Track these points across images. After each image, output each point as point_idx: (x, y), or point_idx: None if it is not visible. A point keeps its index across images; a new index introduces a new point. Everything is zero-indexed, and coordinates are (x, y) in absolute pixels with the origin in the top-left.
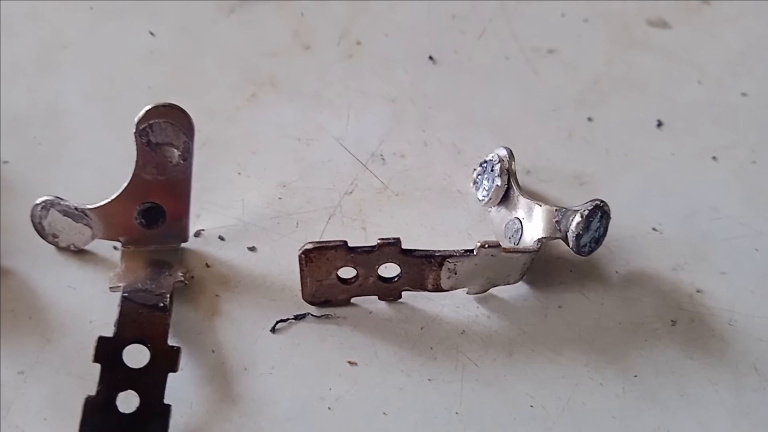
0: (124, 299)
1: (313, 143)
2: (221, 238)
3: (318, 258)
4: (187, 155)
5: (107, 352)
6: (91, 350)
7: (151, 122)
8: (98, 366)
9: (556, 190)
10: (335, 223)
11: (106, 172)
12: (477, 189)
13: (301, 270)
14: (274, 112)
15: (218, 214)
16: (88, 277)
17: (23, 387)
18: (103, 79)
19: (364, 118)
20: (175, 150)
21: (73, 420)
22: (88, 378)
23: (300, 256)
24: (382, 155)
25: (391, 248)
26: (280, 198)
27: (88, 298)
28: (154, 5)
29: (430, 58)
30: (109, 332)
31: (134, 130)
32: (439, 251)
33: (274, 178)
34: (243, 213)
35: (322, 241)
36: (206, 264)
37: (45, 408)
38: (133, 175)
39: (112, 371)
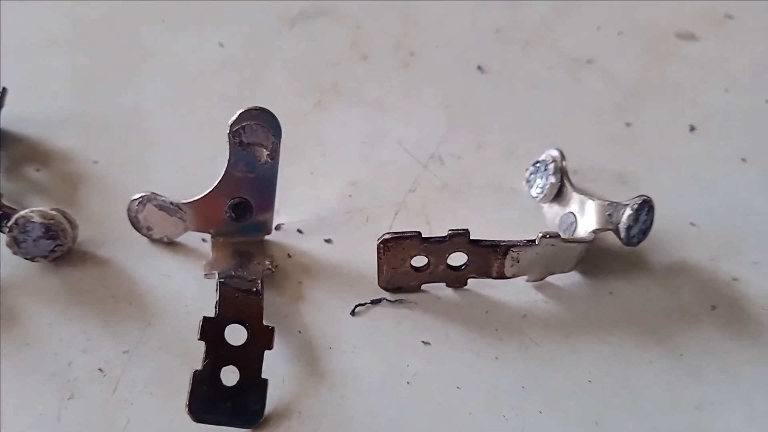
0: (221, 284)
1: (377, 145)
2: (299, 231)
3: (395, 247)
4: (274, 155)
5: (210, 330)
6: (189, 331)
7: (243, 124)
8: (202, 343)
9: (600, 188)
10: (401, 218)
11: (186, 171)
12: (530, 187)
13: (379, 258)
14: (339, 117)
15: (295, 209)
16: (180, 266)
17: (128, 365)
18: (179, 87)
19: (421, 123)
20: (264, 150)
21: (176, 394)
22: (188, 356)
23: (378, 245)
24: (440, 156)
25: (460, 238)
26: (350, 195)
27: (181, 285)
28: (221, 19)
29: (479, 67)
30: (207, 315)
31: (228, 131)
32: (504, 241)
33: (344, 178)
34: (318, 209)
35: (399, 232)
36: (288, 254)
37: (150, 383)
38: (225, 172)
39: (216, 348)
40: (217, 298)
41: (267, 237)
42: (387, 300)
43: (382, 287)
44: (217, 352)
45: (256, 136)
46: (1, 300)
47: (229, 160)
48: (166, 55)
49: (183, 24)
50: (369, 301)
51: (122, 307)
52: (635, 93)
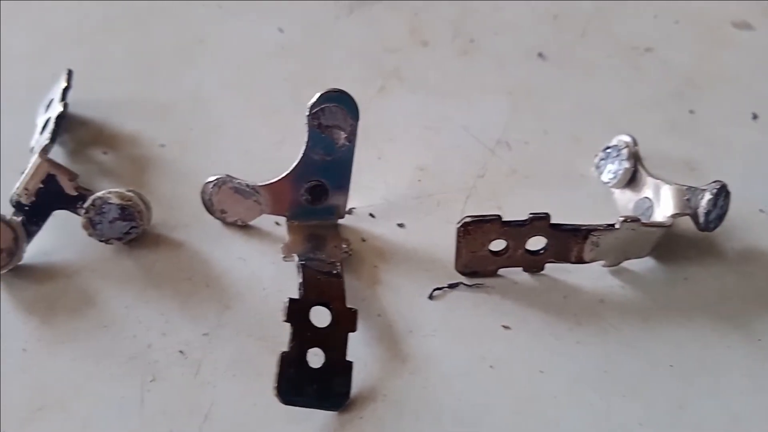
0: (303, 266)
1: (442, 131)
2: (372, 216)
3: (475, 231)
4: (352, 137)
5: (296, 312)
6: (268, 314)
7: (323, 106)
8: (281, 326)
9: (668, 175)
10: (472, 203)
11: (253, 155)
12: (600, 172)
13: (458, 241)
14: (403, 102)
15: (366, 194)
16: (255, 249)
17: (209, 347)
18: (240, 72)
19: (485, 109)
20: (342, 132)
21: (258, 377)
22: (268, 339)
23: (459, 229)
24: (507, 142)
25: (541, 222)
26: (419, 180)
27: (257, 268)
28: (279, 4)
29: (540, 54)
30: (282, 299)
31: (307, 113)
32: (585, 225)
33: (412, 163)
34: (388, 193)
35: (479, 215)
36: (362, 238)
37: (232, 366)
38: (303, 155)
39: (302, 330)
40: (301, 279)
41: (340, 221)
42: (464, 284)
43: (458, 271)
44: (303, 334)
45: (334, 118)
46: (76, 282)
47: (307, 143)
48: (224, 39)
49: (240, 9)
50: (446, 285)
51: (199, 290)
52: (694, 81)
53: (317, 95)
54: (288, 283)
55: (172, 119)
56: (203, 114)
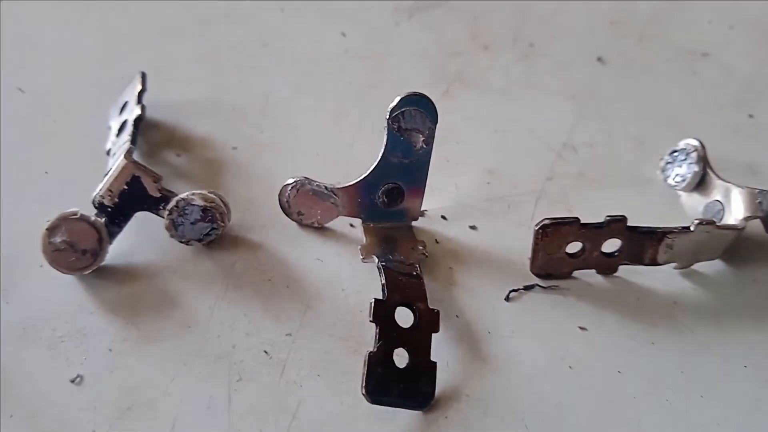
0: (384, 268)
1: (508, 134)
2: (444, 218)
3: (553, 233)
4: (430, 140)
5: (381, 313)
6: (348, 314)
7: (403, 110)
8: (363, 327)
9: (731, 179)
10: (542, 205)
11: (323, 158)
12: (667, 176)
13: (536, 243)
14: (468, 106)
15: (437, 196)
16: (331, 251)
17: (293, 347)
18: (306, 74)
19: (549, 112)
20: (420, 135)
21: (343, 376)
22: (350, 339)
23: (537, 231)
24: (573, 145)
25: (618, 225)
26: (488, 183)
27: (335, 269)
28: (340, 8)
29: (599, 59)
30: (361, 299)
31: (387, 117)
32: (660, 228)
33: (480, 165)
34: (458, 195)
35: (558, 218)
36: (435, 240)
37: (316, 366)
38: (381, 157)
39: (387, 330)
40: (383, 281)
41: (413, 223)
42: (539, 286)
43: (534, 273)
44: (388, 334)
45: (414, 121)
46: (158, 283)
47: (386, 146)
48: (288, 42)
49: (302, 13)
50: (522, 287)
51: (280, 291)
52: (753, 86)
53: (398, 99)
54: (366, 283)
55: (243, 121)
56: (273, 116)
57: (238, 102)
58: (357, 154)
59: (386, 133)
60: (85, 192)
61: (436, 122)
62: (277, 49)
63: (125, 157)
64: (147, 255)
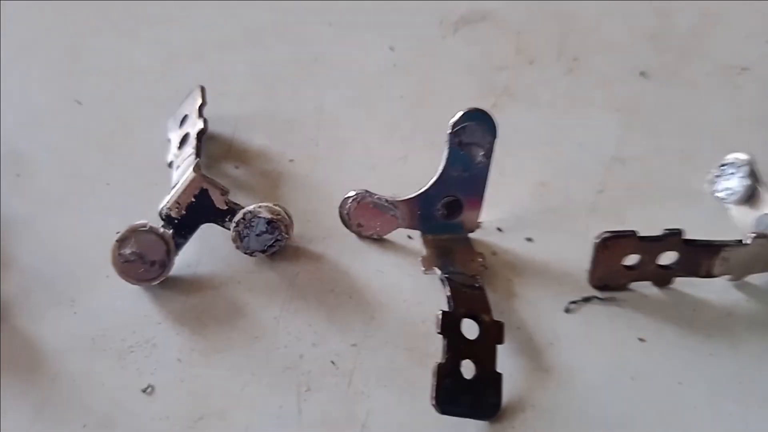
0: (448, 280)
1: (557, 147)
2: (499, 230)
3: (613, 246)
4: (489, 154)
5: (448, 324)
6: (412, 325)
7: (464, 125)
8: (427, 338)
9: None
10: (595, 218)
11: (378, 170)
12: (717, 189)
13: (596, 256)
14: (517, 119)
15: (492, 208)
16: (391, 262)
17: (359, 358)
18: (357, 89)
19: (596, 126)
20: (480, 150)
21: (409, 387)
22: (415, 350)
23: (597, 244)
24: (621, 159)
25: (674, 238)
26: (541, 195)
27: (396, 280)
28: (385, 24)
29: (642, 73)
30: (422, 310)
31: (449, 132)
32: (717, 241)
33: (532, 178)
34: (512, 208)
35: (617, 231)
36: (492, 252)
37: (383, 377)
38: (442, 170)
39: (454, 341)
40: (448, 293)
41: (470, 235)
42: (597, 298)
43: (592, 285)
44: (456, 345)
45: (474, 136)
46: (223, 294)
47: (446, 159)
48: (338, 57)
49: (349, 28)
50: (581, 299)
51: (343, 302)
52: None
53: (459, 114)
54: (426, 295)
55: (298, 134)
56: (327, 130)
57: (292, 115)
58: (410, 167)
59: (447, 147)
60: (147, 203)
61: (496, 137)
62: (328, 63)
63: (194, 170)
64: (211, 266)
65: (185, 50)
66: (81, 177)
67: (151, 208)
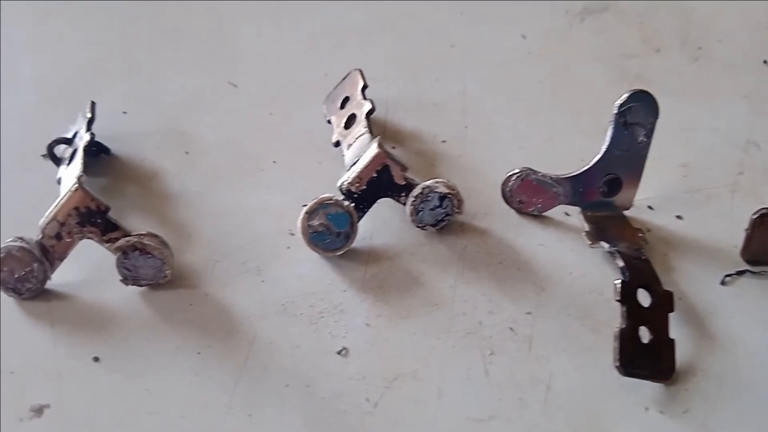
0: (618, 253)
1: (693, 132)
2: (650, 208)
3: None
4: (650, 134)
5: (627, 293)
6: (579, 295)
7: (630, 105)
8: (595, 307)
9: None
10: (738, 198)
11: (526, 151)
12: None
13: (752, 231)
14: None
15: (640, 188)
16: (552, 237)
17: (535, 325)
18: (495, 74)
19: (727, 112)
20: (642, 129)
21: (584, 352)
22: (586, 318)
23: (755, 219)
24: (756, 142)
25: None
26: (684, 176)
27: (559, 254)
28: (514, 12)
29: (765, 62)
30: (588, 282)
31: (614, 112)
32: None
33: (674, 160)
34: (659, 187)
35: None
36: (647, 228)
37: (560, 342)
38: (606, 150)
39: (633, 309)
40: (621, 264)
41: (625, 212)
42: (750, 271)
43: (744, 259)
44: (634, 312)
45: (638, 116)
46: (399, 264)
47: (611, 138)
48: (473, 44)
49: (480, 16)
50: (735, 272)
51: (512, 273)
52: None
53: (625, 95)
54: (590, 268)
55: (445, 117)
56: (473, 113)
57: (437, 99)
58: (557, 149)
59: (612, 126)
60: (312, 180)
61: (657, 117)
62: (464, 50)
63: (378, 146)
64: (384, 238)
65: (325, 37)
66: (247, 155)
67: (317, 185)
